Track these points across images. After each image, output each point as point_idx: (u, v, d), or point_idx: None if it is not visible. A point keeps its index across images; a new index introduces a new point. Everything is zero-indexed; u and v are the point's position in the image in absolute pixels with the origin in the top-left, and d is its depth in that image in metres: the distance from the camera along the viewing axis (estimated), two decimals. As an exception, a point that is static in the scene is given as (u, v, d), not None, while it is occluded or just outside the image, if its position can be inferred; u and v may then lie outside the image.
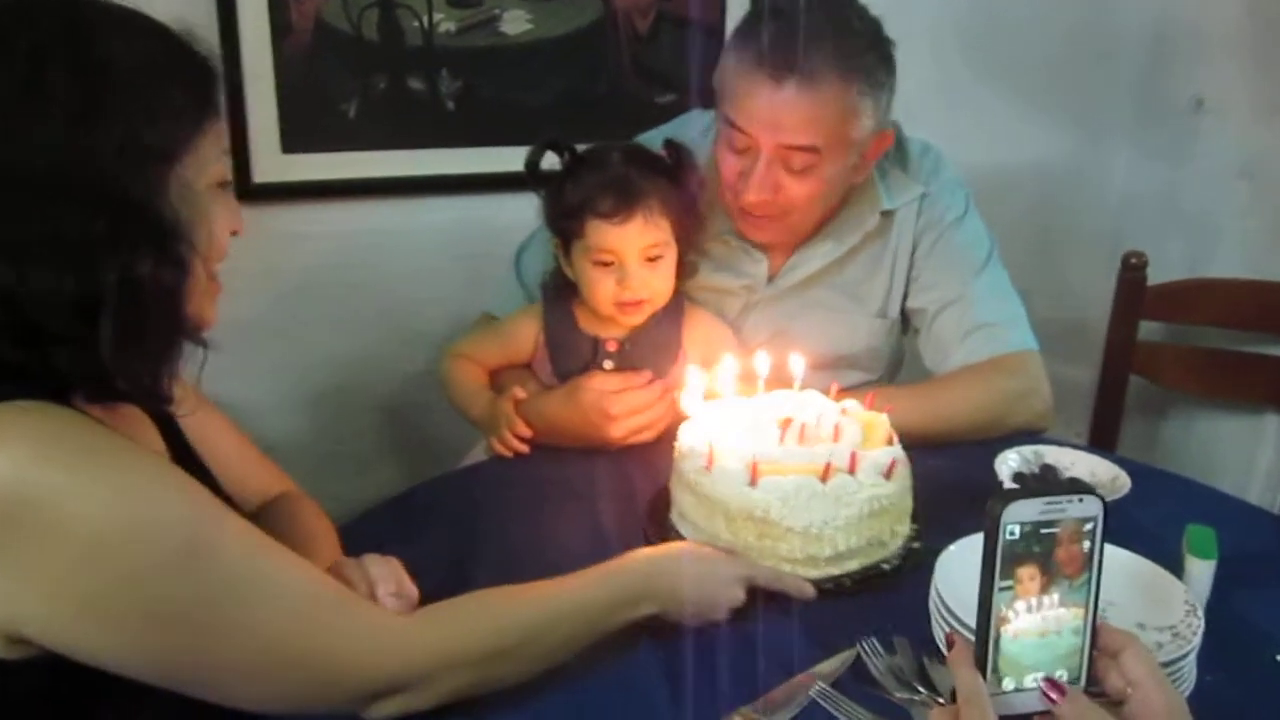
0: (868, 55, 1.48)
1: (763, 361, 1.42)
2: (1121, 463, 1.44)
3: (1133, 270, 2.11)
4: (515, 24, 2.07)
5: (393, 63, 2.03)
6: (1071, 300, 2.51)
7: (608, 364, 1.57)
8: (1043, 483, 1.40)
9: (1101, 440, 2.18)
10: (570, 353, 1.59)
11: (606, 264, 1.51)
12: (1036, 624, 0.85)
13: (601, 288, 1.52)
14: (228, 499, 1.14)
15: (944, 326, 1.66)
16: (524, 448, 1.52)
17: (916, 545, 1.29)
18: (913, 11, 2.18)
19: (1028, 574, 0.84)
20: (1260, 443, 2.28)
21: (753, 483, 1.21)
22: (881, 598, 1.22)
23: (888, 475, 1.24)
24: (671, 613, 1.13)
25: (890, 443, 1.29)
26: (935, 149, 1.73)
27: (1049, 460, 1.45)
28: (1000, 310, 1.65)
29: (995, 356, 1.62)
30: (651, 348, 1.57)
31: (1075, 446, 1.49)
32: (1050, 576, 0.84)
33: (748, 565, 1.19)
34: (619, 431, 1.48)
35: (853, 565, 1.23)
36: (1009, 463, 1.43)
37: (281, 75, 1.97)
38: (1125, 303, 2.12)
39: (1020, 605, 0.84)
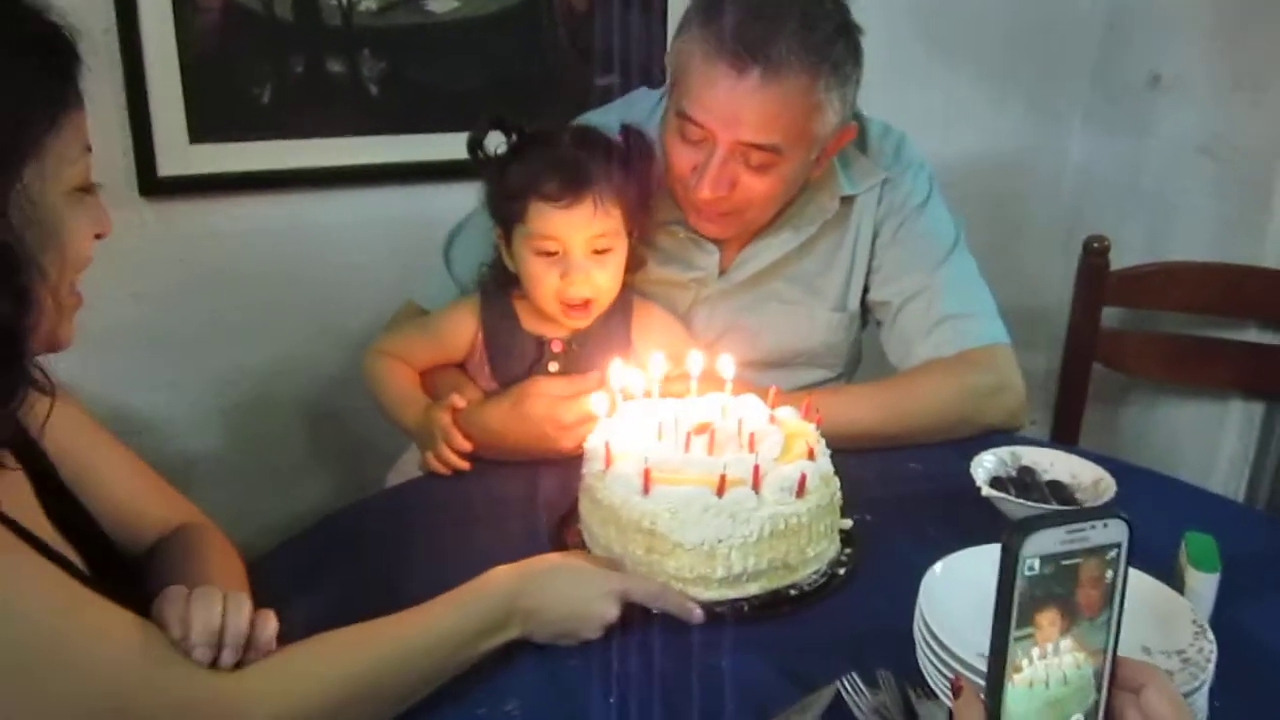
0: (836, 45, 1.36)
1: (695, 361, 1.32)
2: (1101, 461, 1.35)
3: (1095, 255, 2.03)
4: (442, 1, 1.93)
5: (309, 44, 1.88)
6: (1027, 285, 2.45)
7: (553, 366, 1.45)
8: (1021, 487, 1.30)
9: (1064, 431, 2.11)
10: (512, 354, 1.46)
11: (550, 254, 1.38)
12: (1053, 668, 0.74)
13: (544, 281, 1.39)
14: (104, 538, 1.02)
15: (908, 320, 1.56)
16: (464, 464, 1.39)
17: (842, 571, 1.19)
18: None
19: (1048, 619, 0.73)
20: (1224, 429, 2.23)
21: (645, 491, 1.11)
22: (841, 624, 1.12)
23: (798, 493, 1.12)
24: (536, 635, 1.04)
25: (810, 457, 1.17)
26: (896, 131, 1.62)
27: (1026, 462, 1.35)
28: (968, 301, 1.56)
29: (964, 350, 1.52)
30: (600, 347, 1.44)
31: (1053, 446, 1.40)
32: (1072, 619, 0.74)
33: (622, 579, 1.10)
34: (572, 442, 1.34)
35: (753, 589, 1.13)
36: (984, 465, 1.33)
37: (187, 58, 1.81)
38: (1087, 289, 2.04)
39: (1036, 652, 0.73)
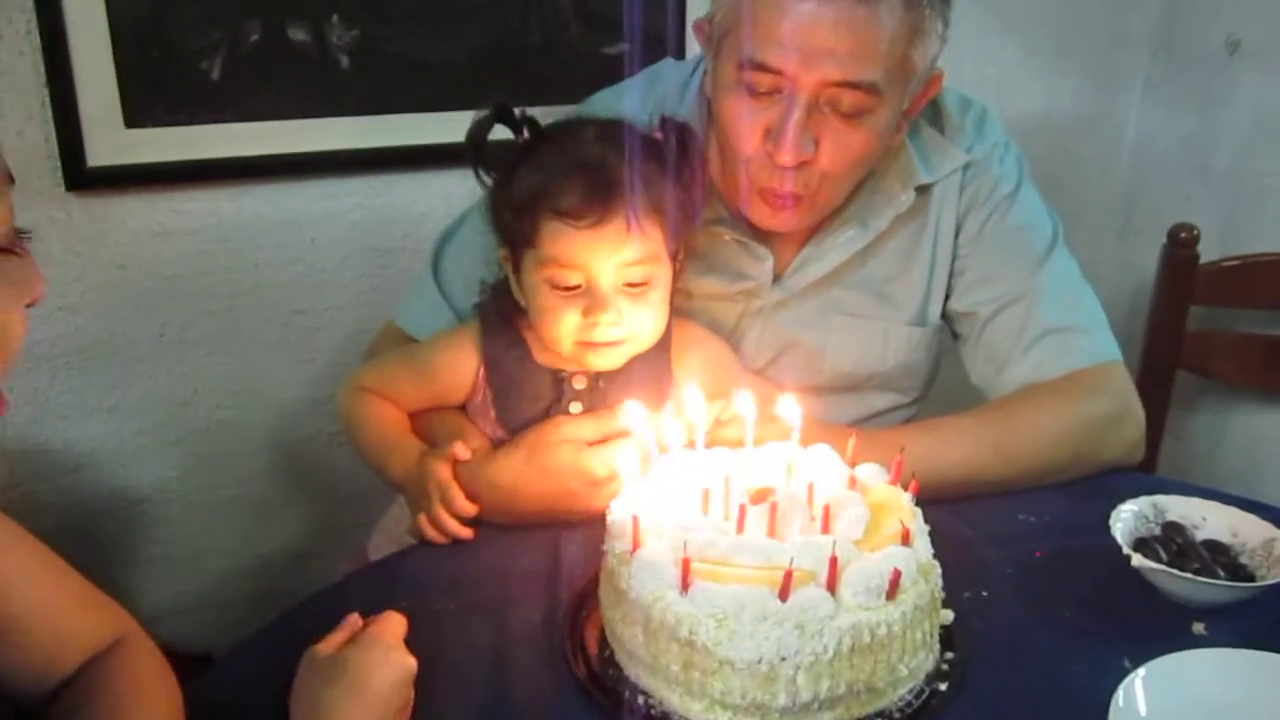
0: None
1: (752, 398, 1.05)
2: (1255, 508, 1.10)
3: (1182, 247, 1.78)
4: (424, -43, 1.66)
5: (268, 7, 1.60)
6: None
7: (575, 407, 1.16)
8: (1173, 550, 1.04)
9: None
10: (522, 393, 1.18)
11: (570, 288, 1.08)
12: None
13: (560, 321, 1.09)
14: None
15: (1001, 333, 1.30)
16: (466, 532, 1.11)
17: (943, 687, 0.91)
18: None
19: None
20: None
21: (683, 587, 0.85)
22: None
23: (889, 594, 0.85)
24: None
25: (905, 541, 0.89)
26: (978, 102, 1.35)
27: (1173, 516, 1.09)
28: (1074, 311, 1.30)
29: (1073, 371, 1.26)
30: (632, 382, 1.16)
31: (1198, 494, 1.13)
32: None
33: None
34: (605, 501, 1.04)
35: None
36: (1123, 521, 1.07)
37: (119, 25, 1.53)
38: (1173, 285, 1.79)
39: None
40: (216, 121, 1.61)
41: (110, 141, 1.57)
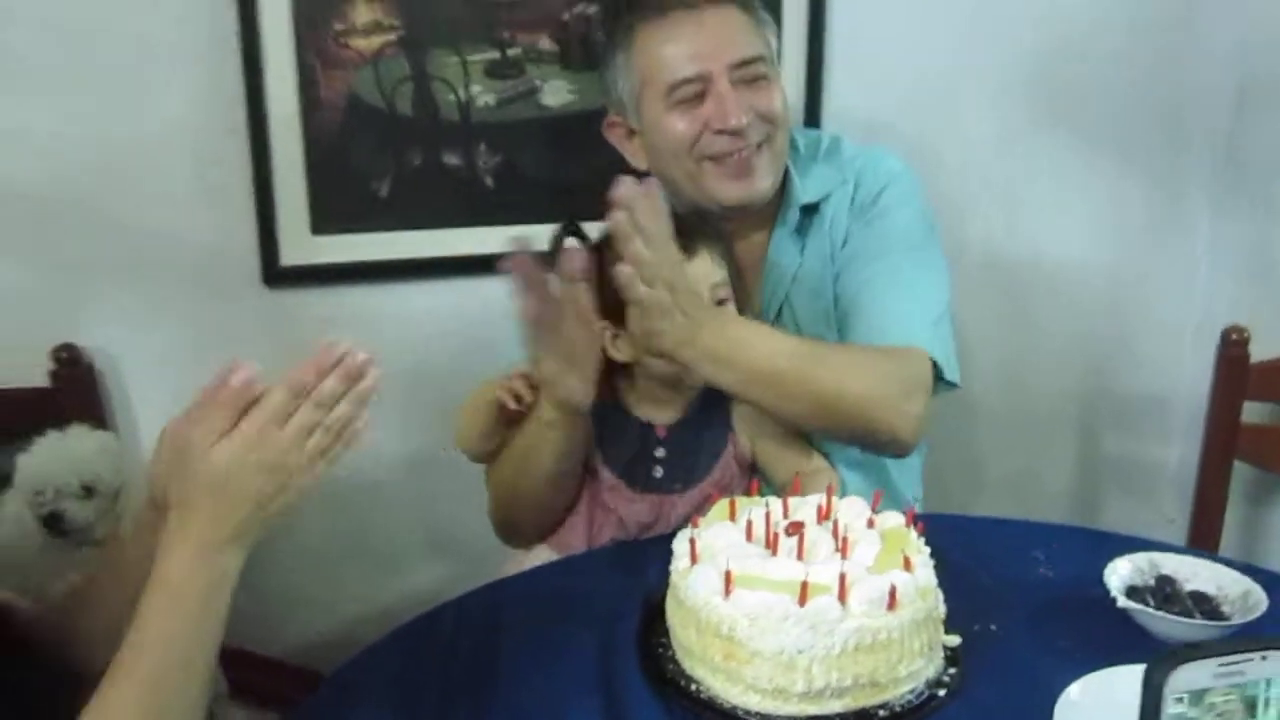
0: None
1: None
2: (1249, 571, 1.25)
3: (1233, 347, 1.92)
4: (557, 95, 1.96)
5: (428, 138, 1.91)
6: (1151, 373, 2.34)
7: (660, 451, 1.44)
8: (1161, 597, 1.21)
9: (1202, 532, 1.98)
10: (618, 439, 1.45)
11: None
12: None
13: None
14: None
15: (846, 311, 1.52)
16: (527, 393, 1.36)
17: (942, 692, 1.10)
18: (974, 54, 2.05)
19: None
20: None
21: (726, 593, 1.07)
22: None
23: (889, 605, 1.05)
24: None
25: (907, 567, 1.09)
26: (826, 135, 1.64)
27: (1166, 570, 1.26)
28: (899, 303, 1.47)
29: (885, 345, 1.44)
30: (700, 431, 1.44)
31: (1192, 553, 1.30)
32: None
33: None
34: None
35: (836, 707, 1.06)
36: (1119, 573, 1.25)
37: (311, 153, 1.87)
38: (1226, 382, 1.93)
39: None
40: (384, 230, 1.92)
41: (299, 245, 1.89)
